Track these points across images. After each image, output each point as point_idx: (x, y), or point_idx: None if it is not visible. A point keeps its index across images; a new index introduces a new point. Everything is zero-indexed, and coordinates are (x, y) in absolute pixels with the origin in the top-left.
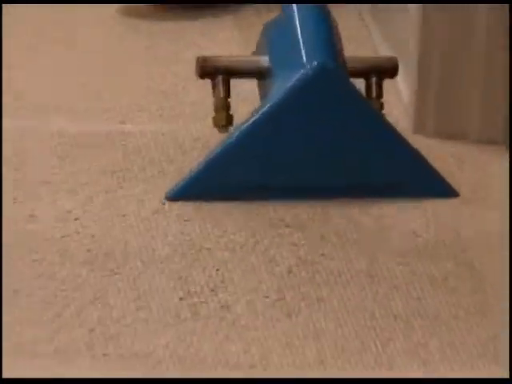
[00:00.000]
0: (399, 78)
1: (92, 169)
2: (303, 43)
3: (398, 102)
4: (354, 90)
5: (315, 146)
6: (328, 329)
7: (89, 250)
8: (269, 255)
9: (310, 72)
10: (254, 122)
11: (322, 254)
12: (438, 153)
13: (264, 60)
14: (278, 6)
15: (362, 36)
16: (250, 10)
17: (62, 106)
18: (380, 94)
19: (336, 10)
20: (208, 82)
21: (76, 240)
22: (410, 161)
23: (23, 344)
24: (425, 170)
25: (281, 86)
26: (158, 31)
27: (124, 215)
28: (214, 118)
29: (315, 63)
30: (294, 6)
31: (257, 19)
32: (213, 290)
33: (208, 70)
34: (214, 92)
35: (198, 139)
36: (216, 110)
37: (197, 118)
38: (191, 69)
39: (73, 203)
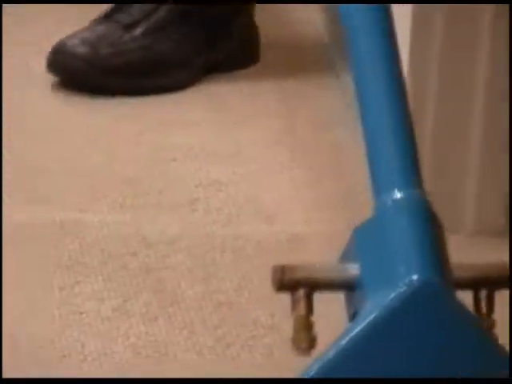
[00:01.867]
0: None
1: (45, 262)
2: (401, 250)
3: None
4: (462, 309)
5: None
6: None
7: (43, 353)
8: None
9: (409, 289)
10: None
11: None
12: None
13: (353, 268)
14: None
15: None
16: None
17: (13, 191)
18: (491, 310)
19: None
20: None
21: (28, 342)
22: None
23: None
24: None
25: (374, 305)
26: (116, 108)
27: (81, 313)
28: (293, 339)
29: (415, 277)
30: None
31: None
32: None
33: (287, 282)
34: (293, 308)
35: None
36: (296, 330)
37: (163, 207)
38: (156, 152)
39: (24, 302)
